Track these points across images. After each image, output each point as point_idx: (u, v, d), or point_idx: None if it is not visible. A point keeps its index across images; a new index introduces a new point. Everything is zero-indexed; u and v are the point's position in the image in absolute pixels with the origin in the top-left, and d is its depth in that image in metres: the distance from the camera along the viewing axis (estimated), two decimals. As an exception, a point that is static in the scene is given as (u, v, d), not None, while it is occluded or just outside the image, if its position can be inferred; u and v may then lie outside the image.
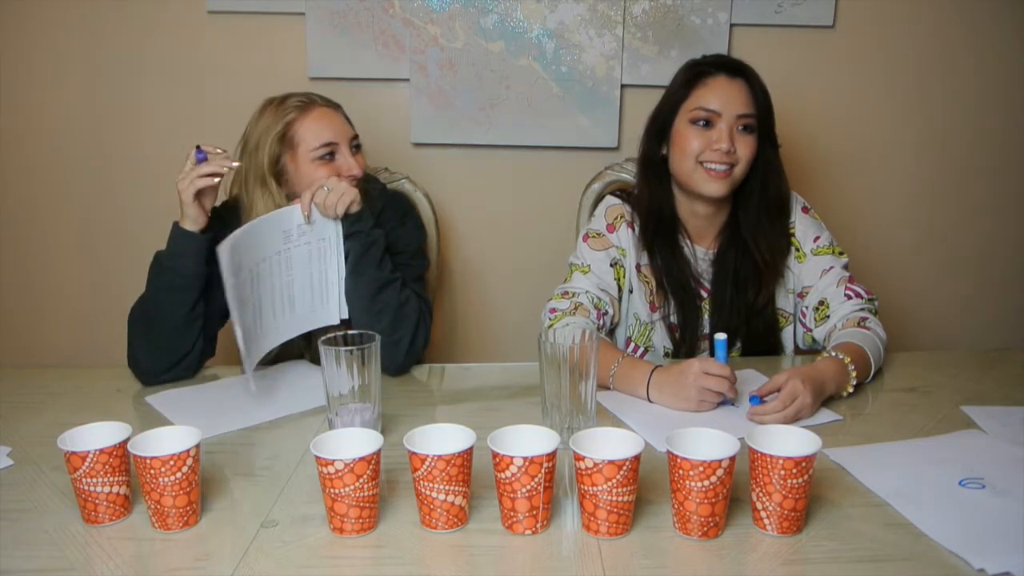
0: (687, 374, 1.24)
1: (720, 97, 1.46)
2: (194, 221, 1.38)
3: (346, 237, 1.43)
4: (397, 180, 1.92)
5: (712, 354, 1.28)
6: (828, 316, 1.49)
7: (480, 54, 2.02)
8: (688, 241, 1.56)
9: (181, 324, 1.39)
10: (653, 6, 2.01)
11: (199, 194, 1.37)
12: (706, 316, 1.55)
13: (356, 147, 1.51)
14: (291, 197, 1.48)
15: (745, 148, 1.47)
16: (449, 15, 2.00)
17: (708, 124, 1.46)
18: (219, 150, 1.40)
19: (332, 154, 1.46)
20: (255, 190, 1.47)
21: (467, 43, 2.01)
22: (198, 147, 1.38)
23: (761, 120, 1.48)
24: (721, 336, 1.26)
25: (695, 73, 1.49)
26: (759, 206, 1.53)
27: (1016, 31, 2.09)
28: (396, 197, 1.70)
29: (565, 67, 2.03)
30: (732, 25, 2.01)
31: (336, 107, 1.52)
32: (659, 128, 1.54)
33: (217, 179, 1.38)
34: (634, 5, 2.00)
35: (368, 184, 1.55)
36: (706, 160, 1.46)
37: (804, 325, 1.54)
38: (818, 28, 2.05)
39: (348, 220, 1.42)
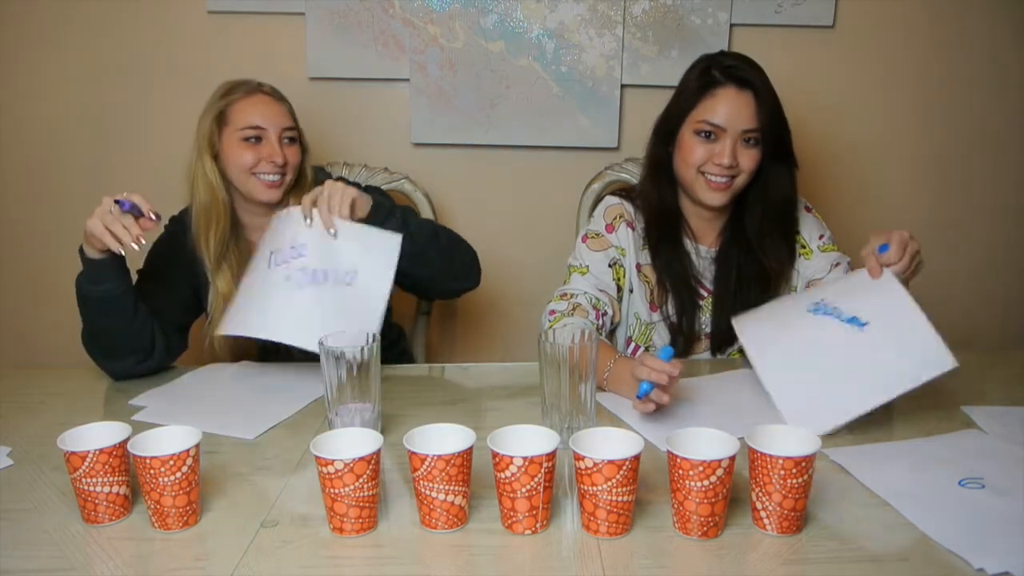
0: (630, 362, 1.25)
1: (726, 111, 1.45)
2: (93, 249, 1.35)
3: (380, 226, 1.39)
4: (397, 180, 1.93)
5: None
6: None
7: (480, 54, 2.02)
8: (691, 239, 1.56)
9: (131, 332, 1.40)
10: (653, 6, 2.01)
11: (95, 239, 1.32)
12: (707, 315, 1.55)
13: (289, 139, 1.55)
14: (223, 175, 1.53)
15: (748, 160, 1.47)
16: (449, 15, 2.00)
17: (712, 136, 1.46)
18: (152, 216, 1.33)
19: (259, 139, 1.51)
20: (195, 163, 1.54)
21: (467, 43, 2.01)
22: (122, 198, 1.32)
23: (766, 133, 1.46)
24: (667, 347, 1.25)
25: (705, 82, 1.47)
26: (762, 217, 1.53)
27: (1015, 31, 2.09)
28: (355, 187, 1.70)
29: (565, 67, 2.03)
30: (732, 25, 2.01)
31: (280, 99, 1.57)
32: (667, 130, 1.53)
33: (117, 246, 1.30)
34: (634, 5, 2.00)
35: (319, 175, 1.62)
36: (707, 171, 1.47)
37: None
38: (818, 28, 2.05)
39: (374, 220, 1.40)
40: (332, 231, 1.35)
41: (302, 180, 1.59)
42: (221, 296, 1.51)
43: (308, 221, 1.36)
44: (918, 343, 1.19)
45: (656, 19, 2.01)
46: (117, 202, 1.31)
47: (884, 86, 2.11)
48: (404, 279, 1.45)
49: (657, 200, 1.55)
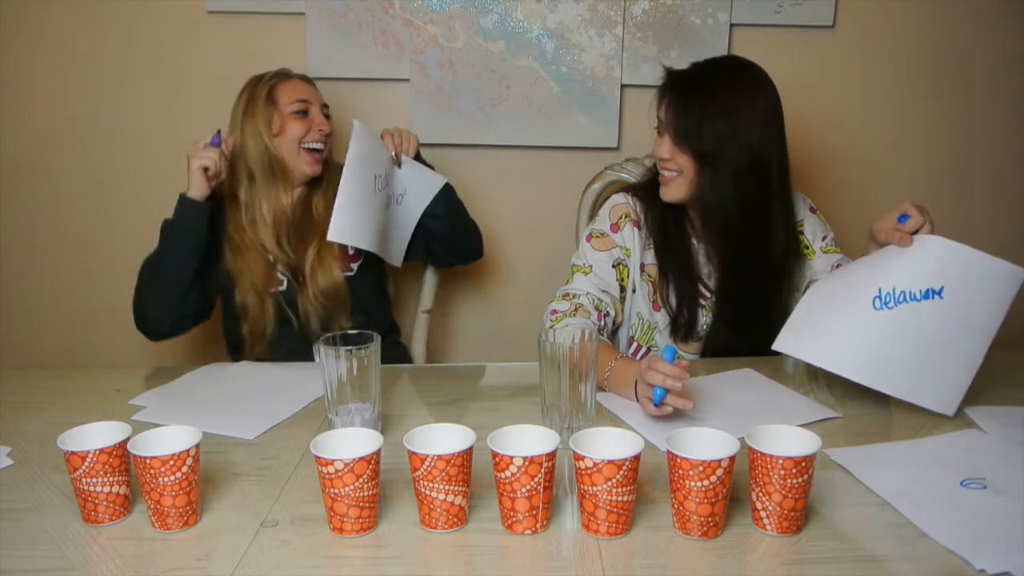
0: (634, 366, 1.25)
1: (662, 107, 1.48)
2: (196, 190, 1.56)
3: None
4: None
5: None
6: None
7: (480, 54, 2.02)
8: (695, 238, 1.56)
9: (187, 281, 1.57)
10: (653, 6, 2.01)
11: (204, 169, 1.55)
12: (708, 315, 1.55)
13: (326, 115, 1.73)
14: (279, 149, 1.67)
15: (682, 159, 1.47)
16: (449, 15, 2.00)
17: (658, 131, 1.50)
18: (227, 149, 1.60)
19: (306, 112, 1.68)
20: (259, 146, 1.64)
21: (467, 43, 2.01)
22: (218, 131, 1.58)
23: (688, 132, 1.44)
24: (670, 345, 1.24)
25: (660, 86, 1.51)
26: (706, 220, 1.53)
27: (1016, 30, 2.09)
28: None
29: (565, 67, 2.03)
30: (732, 25, 2.01)
31: (310, 80, 1.75)
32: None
33: (214, 165, 1.56)
34: (634, 5, 2.00)
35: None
36: (659, 167, 1.51)
37: None
38: (818, 28, 2.05)
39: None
40: (399, 164, 1.70)
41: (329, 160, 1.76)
42: (275, 258, 1.66)
43: (392, 153, 1.67)
44: (988, 273, 1.21)
45: (656, 19, 2.01)
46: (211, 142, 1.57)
47: (884, 86, 2.11)
48: (422, 234, 1.78)
49: (658, 191, 1.55)
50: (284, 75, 1.71)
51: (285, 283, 1.67)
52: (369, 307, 1.74)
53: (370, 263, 1.74)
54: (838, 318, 1.27)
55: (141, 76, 2.06)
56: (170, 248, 1.58)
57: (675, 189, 1.49)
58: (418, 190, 1.73)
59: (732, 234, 1.49)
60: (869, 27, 2.06)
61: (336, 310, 1.66)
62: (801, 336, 1.29)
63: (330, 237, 1.54)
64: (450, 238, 1.80)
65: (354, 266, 1.72)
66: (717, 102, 1.44)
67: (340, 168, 1.57)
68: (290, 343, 1.64)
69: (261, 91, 1.66)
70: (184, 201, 1.57)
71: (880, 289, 1.24)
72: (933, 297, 1.21)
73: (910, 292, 1.21)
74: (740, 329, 1.53)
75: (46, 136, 2.09)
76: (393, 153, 1.68)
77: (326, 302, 1.65)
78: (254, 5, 2.00)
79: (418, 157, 1.75)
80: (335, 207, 1.54)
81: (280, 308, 1.65)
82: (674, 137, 1.46)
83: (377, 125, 2.07)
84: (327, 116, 1.73)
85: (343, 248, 1.67)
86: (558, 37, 2.01)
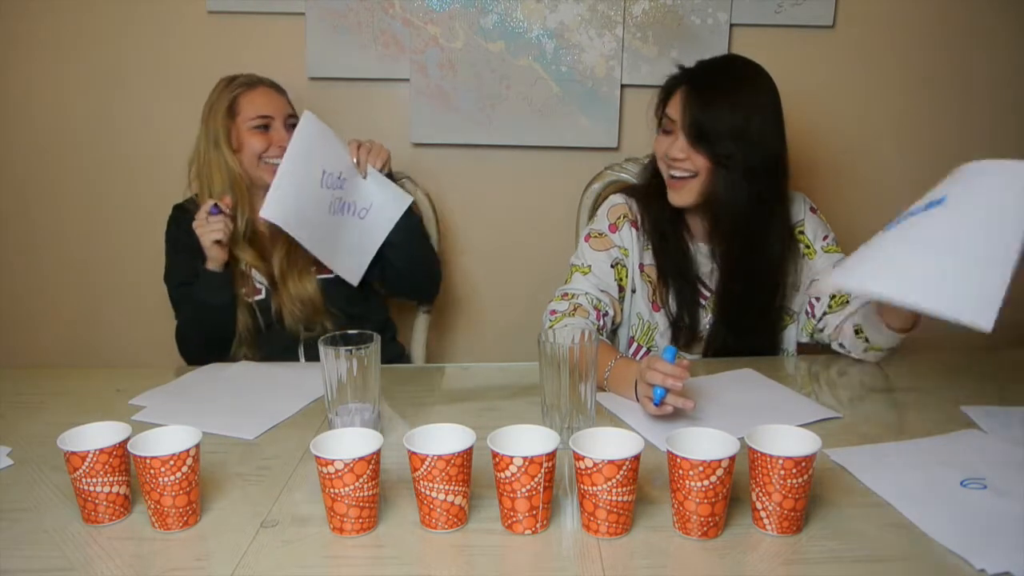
0: (634, 366, 1.24)
1: (677, 107, 1.46)
2: (215, 262, 1.57)
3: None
4: (398, 180, 1.93)
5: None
6: (848, 301, 1.50)
7: (480, 54, 2.02)
8: (690, 238, 1.56)
9: (229, 334, 1.62)
10: (653, 6, 2.01)
11: (218, 241, 1.55)
12: (709, 315, 1.55)
13: (291, 125, 1.66)
14: (240, 163, 1.65)
15: (699, 160, 1.45)
16: (449, 15, 2.00)
17: (669, 132, 1.48)
18: (228, 210, 1.58)
19: (267, 127, 1.65)
20: (209, 156, 1.64)
21: (467, 43, 2.01)
22: (214, 203, 1.56)
23: (704, 131, 1.43)
24: (671, 345, 1.24)
25: (669, 80, 1.50)
26: (714, 222, 1.51)
27: (1016, 30, 2.09)
28: None
29: (565, 67, 2.03)
30: (732, 25, 2.01)
31: (280, 90, 1.72)
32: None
33: (225, 234, 1.56)
34: (634, 5, 2.00)
35: None
36: (667, 168, 1.48)
37: (811, 315, 1.55)
38: (818, 28, 2.05)
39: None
40: (364, 175, 1.64)
41: None
42: (250, 265, 1.66)
43: (354, 160, 1.62)
44: (989, 170, 1.14)
45: (656, 19, 2.01)
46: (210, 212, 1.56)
47: (884, 86, 2.11)
48: (381, 260, 1.70)
49: (653, 186, 1.55)
50: (249, 84, 1.67)
51: (264, 291, 1.67)
52: (354, 308, 1.72)
53: None
54: (858, 253, 1.21)
55: (141, 76, 2.06)
56: (208, 320, 1.60)
57: (688, 193, 1.47)
58: (383, 206, 1.67)
59: (738, 235, 1.48)
60: (869, 27, 2.06)
61: (315, 314, 1.66)
62: (833, 275, 1.23)
63: (263, 213, 1.52)
64: (404, 270, 1.73)
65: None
66: (734, 100, 1.43)
67: None
68: (273, 345, 1.65)
69: (222, 103, 1.64)
70: (207, 276, 1.58)
71: (894, 221, 1.19)
72: (934, 207, 1.13)
73: (914, 208, 1.17)
74: (741, 329, 1.53)
75: (46, 136, 2.09)
76: (355, 160, 1.63)
77: (303, 307, 1.65)
78: (254, 5, 2.00)
79: (390, 175, 1.71)
80: (272, 184, 1.53)
81: (258, 314, 1.65)
82: (691, 137, 1.44)
83: (377, 125, 2.08)
84: (293, 126, 1.64)
85: None
86: (558, 37, 2.01)
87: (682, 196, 1.48)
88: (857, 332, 1.45)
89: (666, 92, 1.50)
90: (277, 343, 1.65)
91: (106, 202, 2.12)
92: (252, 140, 1.63)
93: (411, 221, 1.71)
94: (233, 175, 1.63)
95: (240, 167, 1.63)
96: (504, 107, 2.05)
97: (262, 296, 1.67)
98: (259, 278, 1.67)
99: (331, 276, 1.69)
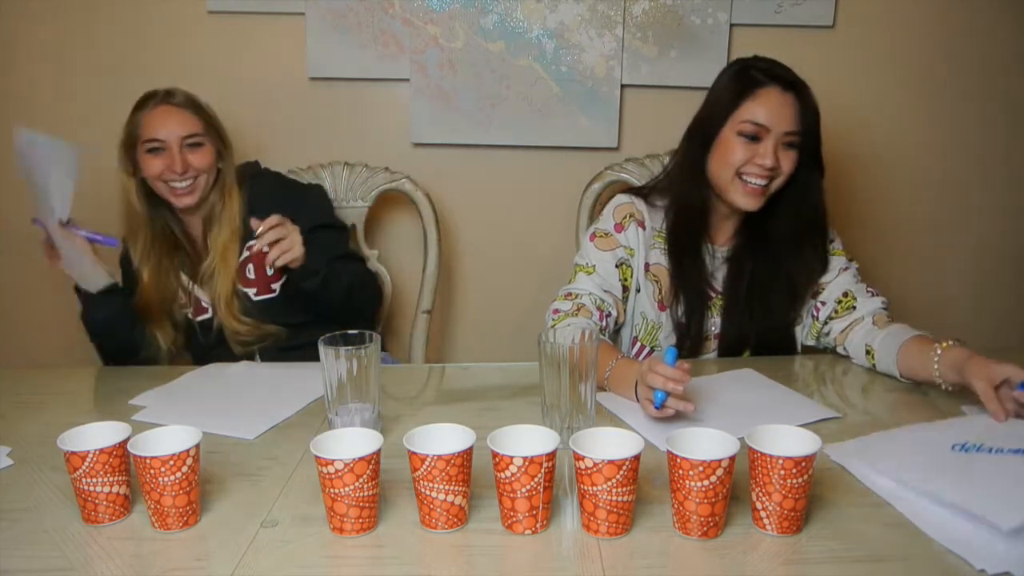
0: (635, 366, 1.24)
1: (769, 111, 1.42)
2: (90, 283, 1.56)
3: (301, 283, 1.55)
4: (398, 180, 1.93)
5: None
6: (854, 307, 1.50)
7: (480, 54, 2.02)
8: (706, 239, 1.56)
9: (135, 339, 1.60)
10: (653, 6, 2.01)
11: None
12: (716, 315, 1.55)
13: (192, 145, 1.60)
14: (144, 182, 1.62)
15: (787, 163, 1.45)
16: (449, 15, 2.00)
17: (755, 137, 1.44)
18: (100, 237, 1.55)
19: (162, 149, 1.58)
20: (123, 173, 1.63)
21: (467, 43, 2.01)
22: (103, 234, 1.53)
23: (805, 138, 1.45)
24: (672, 347, 1.23)
25: (747, 83, 1.45)
26: (793, 225, 1.51)
27: (1016, 30, 2.09)
28: (287, 184, 1.76)
29: (565, 67, 2.03)
30: (732, 25, 2.01)
31: (185, 106, 1.63)
32: (705, 133, 1.50)
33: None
34: (634, 5, 2.00)
35: (247, 170, 1.70)
36: (746, 173, 1.45)
37: (816, 318, 1.55)
38: (818, 28, 2.05)
39: (298, 274, 1.54)
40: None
41: (222, 177, 1.65)
42: (147, 287, 1.63)
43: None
44: None
45: (656, 19, 2.01)
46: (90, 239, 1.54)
47: (884, 86, 2.11)
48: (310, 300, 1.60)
49: (697, 200, 1.52)
50: (151, 104, 1.61)
51: (210, 309, 1.65)
52: (311, 317, 1.64)
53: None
54: (910, 443, 1.12)
55: (141, 76, 2.05)
56: (99, 335, 1.62)
57: (765, 197, 1.47)
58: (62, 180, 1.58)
59: (808, 234, 1.52)
60: (869, 27, 2.06)
61: (264, 331, 1.62)
62: (857, 450, 1.11)
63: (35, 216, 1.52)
64: (335, 315, 1.60)
65: (276, 286, 1.65)
66: (813, 98, 1.47)
67: (240, 195, 1.62)
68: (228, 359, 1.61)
69: (127, 125, 1.61)
70: (82, 297, 1.58)
71: (965, 441, 1.09)
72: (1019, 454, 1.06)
73: (997, 448, 1.07)
74: (749, 330, 1.53)
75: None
76: (263, 244, 1.46)
77: (251, 327, 1.62)
78: (254, 5, 2.00)
79: (293, 271, 1.55)
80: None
81: (199, 332, 1.65)
82: (791, 144, 1.44)
83: (377, 125, 2.08)
84: (197, 144, 1.60)
85: (260, 272, 1.63)
86: (558, 37, 2.01)
87: (759, 201, 1.47)
88: (868, 352, 1.44)
89: (739, 96, 1.45)
90: (228, 358, 1.59)
91: (105, 202, 2.12)
92: (147, 163, 1.59)
93: (327, 291, 1.57)
94: (126, 199, 1.63)
95: (134, 193, 1.62)
96: (504, 107, 2.05)
97: (209, 314, 1.65)
98: (205, 297, 1.65)
99: (274, 295, 1.65)
